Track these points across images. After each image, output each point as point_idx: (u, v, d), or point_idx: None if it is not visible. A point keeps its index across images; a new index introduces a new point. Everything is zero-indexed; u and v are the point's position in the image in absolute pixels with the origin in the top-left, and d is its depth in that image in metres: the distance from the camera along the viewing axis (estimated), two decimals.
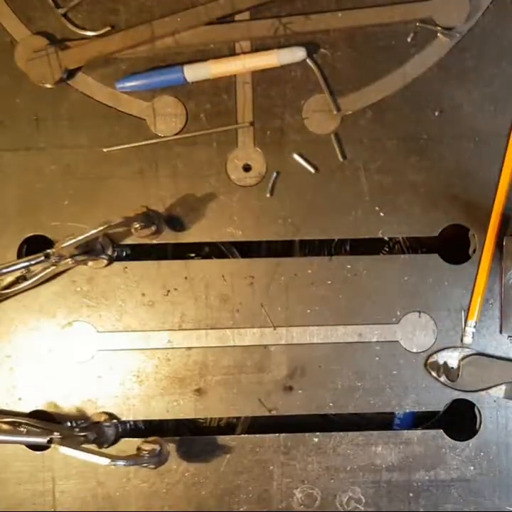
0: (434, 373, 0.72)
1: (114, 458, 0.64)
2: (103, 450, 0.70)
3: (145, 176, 0.73)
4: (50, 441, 0.65)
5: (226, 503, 0.73)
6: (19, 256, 0.73)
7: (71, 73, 0.73)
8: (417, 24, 0.71)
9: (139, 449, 0.67)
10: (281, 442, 0.73)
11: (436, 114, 0.72)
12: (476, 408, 0.73)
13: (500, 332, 0.72)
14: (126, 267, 0.73)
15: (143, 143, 0.73)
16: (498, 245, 0.71)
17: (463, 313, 0.72)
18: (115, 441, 0.72)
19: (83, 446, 0.66)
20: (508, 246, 0.71)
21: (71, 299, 0.73)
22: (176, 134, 0.73)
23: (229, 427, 0.78)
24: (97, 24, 0.73)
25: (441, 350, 0.72)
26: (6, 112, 0.73)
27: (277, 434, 0.73)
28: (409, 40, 0.72)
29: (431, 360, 0.72)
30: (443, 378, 0.72)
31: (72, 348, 0.73)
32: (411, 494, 0.72)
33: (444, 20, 0.71)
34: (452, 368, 0.72)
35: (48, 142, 0.73)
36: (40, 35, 0.72)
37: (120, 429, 0.73)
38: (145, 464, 0.68)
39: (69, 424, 0.73)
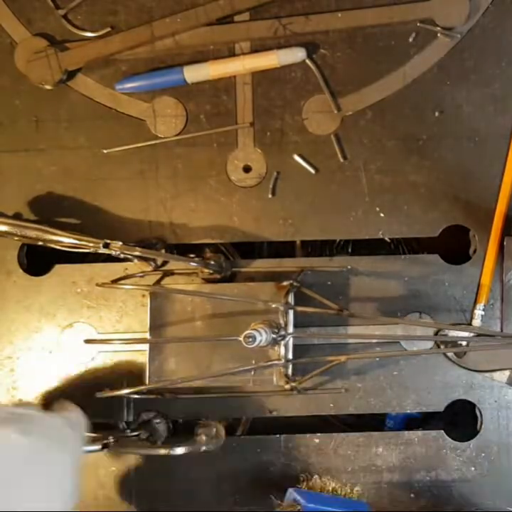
0: (442, 347, 0.72)
1: (172, 447, 0.67)
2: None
3: (145, 176, 0.73)
4: (105, 446, 0.67)
5: (226, 504, 0.72)
6: (19, 258, 0.73)
7: (71, 74, 0.73)
8: (417, 24, 0.71)
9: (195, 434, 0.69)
10: (282, 443, 0.73)
11: (436, 114, 0.72)
12: (476, 409, 0.72)
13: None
14: (126, 269, 0.73)
15: (143, 144, 0.73)
16: (500, 245, 0.72)
17: (463, 313, 0.72)
18: (168, 437, 0.72)
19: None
20: (508, 246, 0.71)
21: (71, 300, 0.73)
22: (176, 135, 0.73)
23: (230, 428, 0.78)
24: (96, 25, 0.73)
25: (453, 326, 0.72)
26: (5, 113, 0.74)
27: (278, 435, 0.73)
28: (409, 40, 0.72)
29: (441, 333, 0.72)
30: (450, 353, 0.71)
31: (72, 350, 0.73)
32: (411, 495, 0.72)
33: (444, 21, 0.70)
34: (461, 345, 0.71)
35: (47, 143, 0.73)
36: (40, 37, 0.72)
37: (171, 426, 0.73)
38: (203, 448, 0.68)
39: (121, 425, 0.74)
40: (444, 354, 0.72)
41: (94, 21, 0.73)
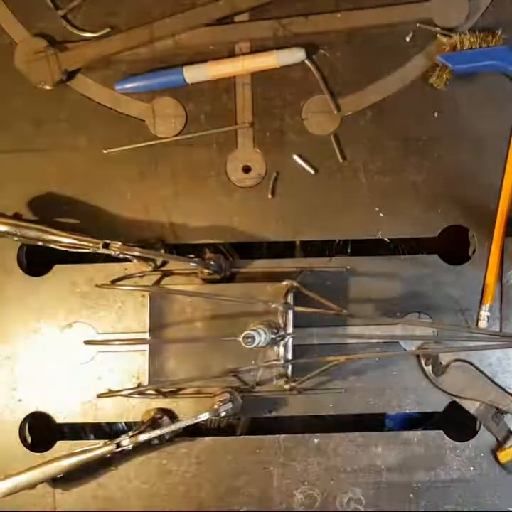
0: (423, 360, 0.72)
1: (195, 416, 0.68)
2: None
3: (145, 177, 0.73)
4: (118, 445, 0.67)
5: (226, 504, 0.73)
6: (19, 258, 0.73)
7: (70, 75, 0.73)
8: (417, 25, 0.71)
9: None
10: (282, 443, 0.73)
11: (436, 114, 0.72)
12: None
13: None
14: (126, 269, 0.73)
15: (142, 144, 0.73)
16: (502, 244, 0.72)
17: (462, 313, 0.72)
18: (175, 435, 0.73)
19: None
20: (508, 247, 0.71)
21: (71, 300, 0.73)
22: (176, 135, 0.73)
23: (229, 428, 0.78)
24: (96, 26, 0.73)
25: (439, 342, 0.72)
26: (5, 113, 0.74)
27: (277, 435, 0.73)
28: (408, 40, 0.72)
29: (425, 346, 0.72)
30: (428, 368, 0.72)
31: (72, 350, 0.73)
32: (411, 495, 0.72)
33: (444, 21, 0.70)
34: (441, 363, 0.71)
35: (47, 144, 0.74)
36: (39, 37, 0.72)
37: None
38: (223, 413, 0.68)
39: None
40: (422, 370, 0.72)
41: (93, 22, 0.73)
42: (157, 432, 0.68)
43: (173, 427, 0.68)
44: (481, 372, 0.71)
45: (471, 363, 0.72)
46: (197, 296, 0.70)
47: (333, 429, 0.74)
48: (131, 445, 0.68)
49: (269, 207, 0.73)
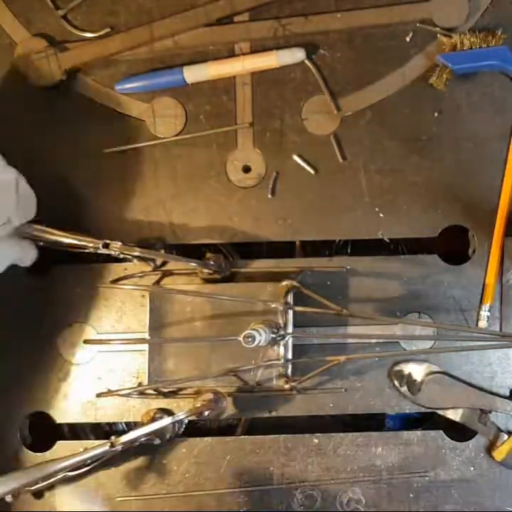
0: (396, 382, 0.72)
1: (176, 414, 0.67)
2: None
3: (145, 177, 0.73)
4: (112, 446, 0.67)
5: (226, 504, 0.73)
6: None
7: (71, 75, 0.73)
8: (417, 25, 0.71)
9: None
10: (282, 443, 0.73)
11: (436, 114, 0.72)
12: None
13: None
14: (126, 269, 0.73)
15: (142, 144, 0.73)
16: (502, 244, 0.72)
17: (462, 313, 0.72)
18: (176, 435, 0.73)
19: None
20: (508, 247, 0.71)
21: (71, 300, 0.73)
22: (176, 136, 0.73)
23: (229, 428, 0.78)
24: (96, 26, 0.73)
25: (408, 362, 0.72)
26: (5, 113, 0.73)
27: (277, 435, 0.73)
28: (408, 40, 0.72)
29: (396, 368, 0.72)
30: (404, 389, 0.72)
31: (71, 350, 0.73)
32: (411, 495, 0.72)
33: (444, 21, 0.71)
34: (415, 381, 0.71)
35: (48, 144, 0.73)
36: (39, 37, 0.72)
37: (177, 422, 0.72)
38: (206, 414, 0.68)
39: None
40: (397, 389, 0.72)
41: (93, 22, 0.73)
42: (144, 430, 0.67)
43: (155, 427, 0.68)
44: (456, 378, 0.72)
45: (444, 373, 0.72)
46: (197, 296, 0.70)
47: (333, 429, 0.75)
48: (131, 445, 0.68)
49: (269, 207, 0.73)
